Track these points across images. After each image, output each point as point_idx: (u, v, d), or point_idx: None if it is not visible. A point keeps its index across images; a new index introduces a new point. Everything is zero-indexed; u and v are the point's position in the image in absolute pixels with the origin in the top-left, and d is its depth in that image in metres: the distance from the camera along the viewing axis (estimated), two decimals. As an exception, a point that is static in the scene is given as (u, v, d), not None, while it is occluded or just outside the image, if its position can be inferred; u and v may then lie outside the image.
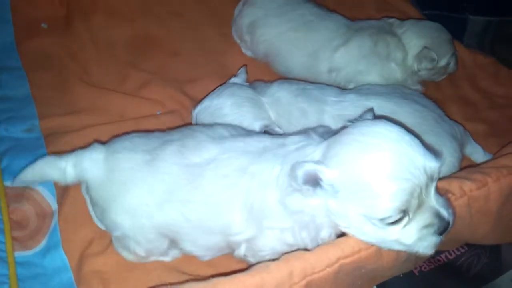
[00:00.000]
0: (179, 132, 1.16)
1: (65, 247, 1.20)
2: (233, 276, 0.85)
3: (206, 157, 1.04)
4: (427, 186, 0.85)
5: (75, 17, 1.84)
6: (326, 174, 0.86)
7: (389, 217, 0.84)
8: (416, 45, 1.56)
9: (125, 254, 1.16)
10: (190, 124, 1.39)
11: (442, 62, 1.57)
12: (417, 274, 1.22)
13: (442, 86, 1.70)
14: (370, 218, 0.86)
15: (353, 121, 0.98)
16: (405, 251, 0.90)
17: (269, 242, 0.99)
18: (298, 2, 1.73)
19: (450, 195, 0.97)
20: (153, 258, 1.17)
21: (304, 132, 1.04)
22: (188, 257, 1.17)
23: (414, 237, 0.87)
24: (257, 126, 1.26)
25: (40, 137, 1.44)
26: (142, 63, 1.73)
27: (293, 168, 0.87)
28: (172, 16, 1.94)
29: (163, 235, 1.09)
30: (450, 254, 1.26)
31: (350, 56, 1.57)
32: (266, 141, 1.05)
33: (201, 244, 1.09)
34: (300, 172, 0.86)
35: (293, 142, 0.99)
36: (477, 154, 1.37)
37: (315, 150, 0.92)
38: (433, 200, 0.87)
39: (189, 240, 1.08)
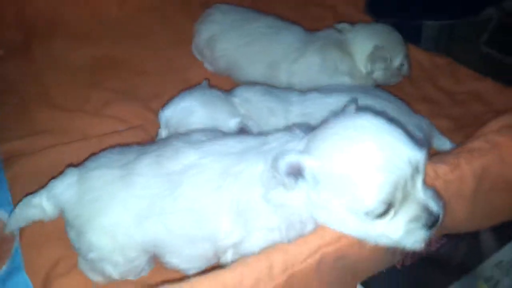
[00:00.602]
0: (155, 143, 1.13)
1: (28, 270, 1.12)
2: (212, 273, 0.80)
3: (185, 163, 0.99)
4: (412, 177, 0.83)
5: (32, 42, 1.83)
6: (308, 163, 0.85)
7: (374, 210, 0.82)
8: (367, 47, 1.57)
9: (92, 276, 1.09)
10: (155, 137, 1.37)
11: (396, 62, 1.59)
12: (399, 268, 1.20)
13: (403, 87, 1.73)
14: (354, 211, 0.84)
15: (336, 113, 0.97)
16: (400, 247, 0.87)
17: (257, 244, 0.93)
18: (254, 16, 1.77)
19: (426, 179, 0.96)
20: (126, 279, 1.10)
21: (287, 128, 1.02)
22: (159, 270, 1.11)
23: (401, 231, 0.84)
24: (232, 123, 1.24)
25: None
26: (104, 83, 1.71)
27: (276, 159, 0.85)
28: (133, 38, 1.94)
29: (146, 251, 1.03)
30: (430, 246, 1.25)
31: (303, 73, 1.60)
32: (247, 140, 1.02)
33: (187, 254, 1.02)
34: (283, 162, 0.84)
35: (275, 139, 0.97)
36: (444, 146, 1.38)
37: (298, 144, 0.91)
38: (420, 192, 0.85)
39: (173, 252, 1.02)
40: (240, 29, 1.72)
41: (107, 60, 1.81)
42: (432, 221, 0.84)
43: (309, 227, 0.92)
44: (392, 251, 0.91)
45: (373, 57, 1.55)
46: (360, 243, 0.90)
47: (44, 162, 1.34)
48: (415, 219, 0.84)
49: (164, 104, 1.55)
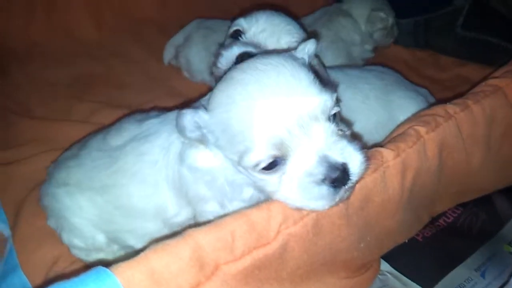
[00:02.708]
0: None
1: (25, 269, 1.06)
2: (237, 211, 0.74)
3: (126, 139, 0.99)
4: (302, 127, 0.71)
5: (9, 63, 1.78)
6: (203, 119, 0.78)
7: (258, 163, 0.72)
8: (364, 12, 1.72)
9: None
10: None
11: (391, 20, 1.74)
12: (421, 240, 1.18)
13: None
14: (243, 165, 0.74)
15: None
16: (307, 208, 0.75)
17: (211, 218, 0.85)
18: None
19: (437, 117, 0.94)
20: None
21: None
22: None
23: (294, 188, 0.72)
24: None
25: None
26: (86, 97, 1.66)
27: (177, 120, 0.79)
28: (111, 56, 1.92)
29: (97, 227, 1.01)
30: (448, 218, 1.25)
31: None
32: None
33: (141, 233, 0.98)
34: (181, 122, 0.78)
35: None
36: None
37: (205, 100, 0.83)
38: (315, 143, 0.72)
39: (127, 231, 1.00)
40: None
41: (86, 77, 1.78)
42: (334, 176, 0.71)
43: (246, 191, 0.84)
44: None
45: (372, 20, 1.71)
46: (383, 183, 0.85)
47: (31, 169, 1.30)
48: (307, 173, 0.72)
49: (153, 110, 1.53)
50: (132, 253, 0.66)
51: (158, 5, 2.14)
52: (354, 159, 0.73)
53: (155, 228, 0.97)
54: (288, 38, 1.04)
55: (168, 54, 1.84)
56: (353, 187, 0.75)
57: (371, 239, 0.93)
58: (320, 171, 0.71)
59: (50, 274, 1.04)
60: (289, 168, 0.73)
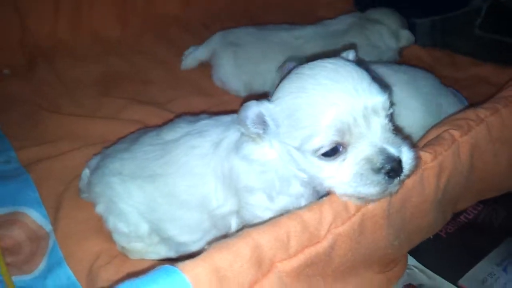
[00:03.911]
0: None
1: (70, 263, 1.10)
2: (292, 212, 0.78)
3: (179, 134, 1.05)
4: (366, 119, 0.78)
5: (37, 62, 1.82)
6: (267, 108, 0.84)
7: (320, 148, 0.78)
8: (393, 24, 1.74)
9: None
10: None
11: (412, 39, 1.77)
12: (444, 236, 1.22)
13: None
14: (304, 151, 0.80)
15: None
16: (355, 195, 0.80)
17: (253, 212, 0.93)
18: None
19: (469, 121, 0.98)
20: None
21: None
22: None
23: (351, 172, 0.79)
24: None
25: (19, 166, 1.35)
26: (113, 93, 1.70)
27: (240, 111, 0.84)
28: (135, 54, 1.96)
29: (142, 216, 1.06)
30: (469, 214, 1.28)
31: None
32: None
33: (183, 224, 1.04)
34: (245, 113, 0.83)
35: None
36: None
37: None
38: (375, 135, 0.78)
39: (170, 219, 1.04)
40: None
41: (112, 74, 1.81)
42: (390, 166, 0.77)
43: (294, 186, 0.89)
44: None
45: (400, 37, 1.75)
46: (421, 184, 0.90)
47: (67, 164, 1.33)
48: (366, 160, 0.78)
49: (181, 106, 1.57)
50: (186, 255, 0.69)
51: (181, 3, 2.17)
52: (407, 155, 0.79)
53: (197, 220, 1.02)
54: None
55: (188, 65, 1.85)
56: (403, 181, 0.81)
57: (404, 237, 0.99)
58: (379, 160, 0.77)
59: (94, 268, 1.07)
60: (350, 154, 0.79)
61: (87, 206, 1.16)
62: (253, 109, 0.84)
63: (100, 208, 1.11)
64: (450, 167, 0.94)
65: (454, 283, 1.10)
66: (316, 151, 0.79)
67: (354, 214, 0.81)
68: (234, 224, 0.99)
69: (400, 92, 1.14)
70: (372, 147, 0.78)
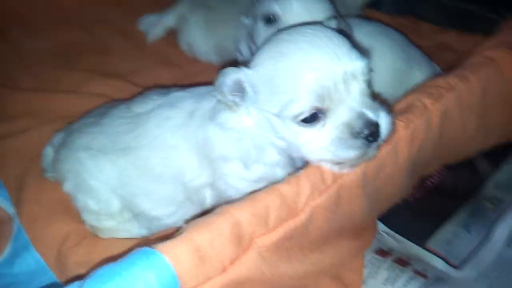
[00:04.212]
0: None
1: (37, 246, 1.06)
2: (269, 187, 0.77)
3: (151, 106, 1.03)
4: (346, 84, 0.78)
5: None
6: (245, 74, 0.83)
7: (300, 114, 0.78)
8: None
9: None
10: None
11: None
12: (411, 201, 1.25)
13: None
14: (283, 117, 0.80)
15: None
16: (333, 160, 0.81)
17: (228, 181, 0.92)
18: None
19: (440, 88, 1.00)
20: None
21: None
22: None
23: (330, 137, 0.79)
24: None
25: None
26: (75, 66, 1.61)
27: (218, 78, 0.83)
28: (94, 23, 1.86)
29: (114, 192, 1.04)
30: (434, 179, 1.32)
31: None
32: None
33: (156, 198, 1.02)
34: (223, 79, 0.82)
35: None
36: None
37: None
38: (354, 100, 0.79)
39: (142, 193, 1.02)
40: None
41: (70, 45, 1.72)
42: (369, 130, 0.78)
43: (270, 154, 0.89)
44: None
45: None
46: (395, 153, 0.91)
47: (27, 142, 1.27)
48: (346, 125, 0.78)
49: (146, 78, 1.51)
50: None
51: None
52: (384, 120, 0.80)
53: (171, 192, 1.00)
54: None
55: (154, 35, 1.77)
56: (380, 146, 0.82)
57: (376, 205, 1.01)
58: (358, 124, 0.78)
59: (63, 249, 1.04)
60: (329, 120, 0.79)
61: (52, 186, 1.12)
62: (232, 75, 0.82)
63: (68, 186, 1.07)
64: (422, 135, 0.95)
65: (422, 246, 1.14)
66: (296, 117, 0.78)
67: (330, 186, 0.81)
68: (208, 197, 0.97)
69: (374, 41, 1.18)
70: (351, 112, 0.79)
